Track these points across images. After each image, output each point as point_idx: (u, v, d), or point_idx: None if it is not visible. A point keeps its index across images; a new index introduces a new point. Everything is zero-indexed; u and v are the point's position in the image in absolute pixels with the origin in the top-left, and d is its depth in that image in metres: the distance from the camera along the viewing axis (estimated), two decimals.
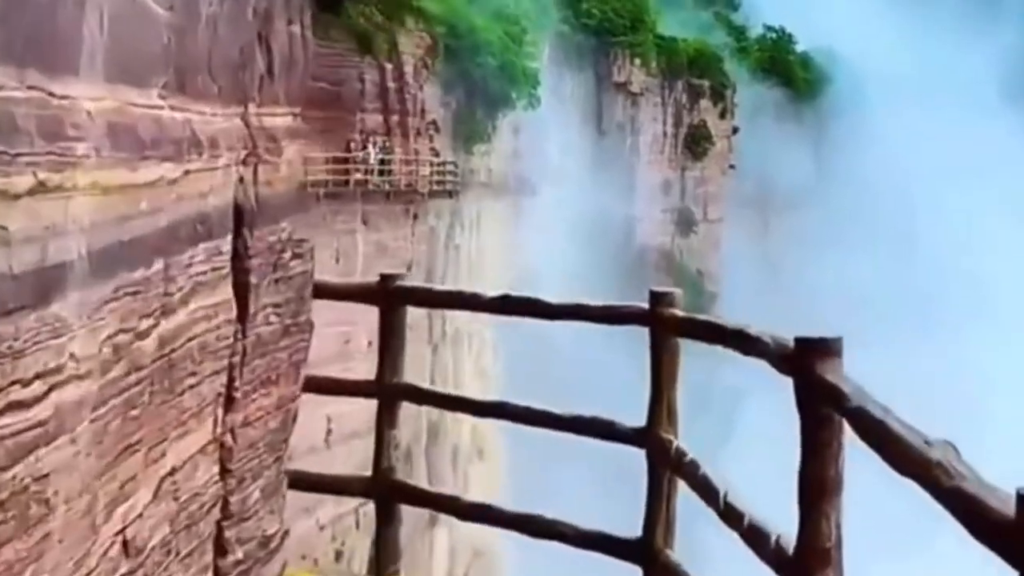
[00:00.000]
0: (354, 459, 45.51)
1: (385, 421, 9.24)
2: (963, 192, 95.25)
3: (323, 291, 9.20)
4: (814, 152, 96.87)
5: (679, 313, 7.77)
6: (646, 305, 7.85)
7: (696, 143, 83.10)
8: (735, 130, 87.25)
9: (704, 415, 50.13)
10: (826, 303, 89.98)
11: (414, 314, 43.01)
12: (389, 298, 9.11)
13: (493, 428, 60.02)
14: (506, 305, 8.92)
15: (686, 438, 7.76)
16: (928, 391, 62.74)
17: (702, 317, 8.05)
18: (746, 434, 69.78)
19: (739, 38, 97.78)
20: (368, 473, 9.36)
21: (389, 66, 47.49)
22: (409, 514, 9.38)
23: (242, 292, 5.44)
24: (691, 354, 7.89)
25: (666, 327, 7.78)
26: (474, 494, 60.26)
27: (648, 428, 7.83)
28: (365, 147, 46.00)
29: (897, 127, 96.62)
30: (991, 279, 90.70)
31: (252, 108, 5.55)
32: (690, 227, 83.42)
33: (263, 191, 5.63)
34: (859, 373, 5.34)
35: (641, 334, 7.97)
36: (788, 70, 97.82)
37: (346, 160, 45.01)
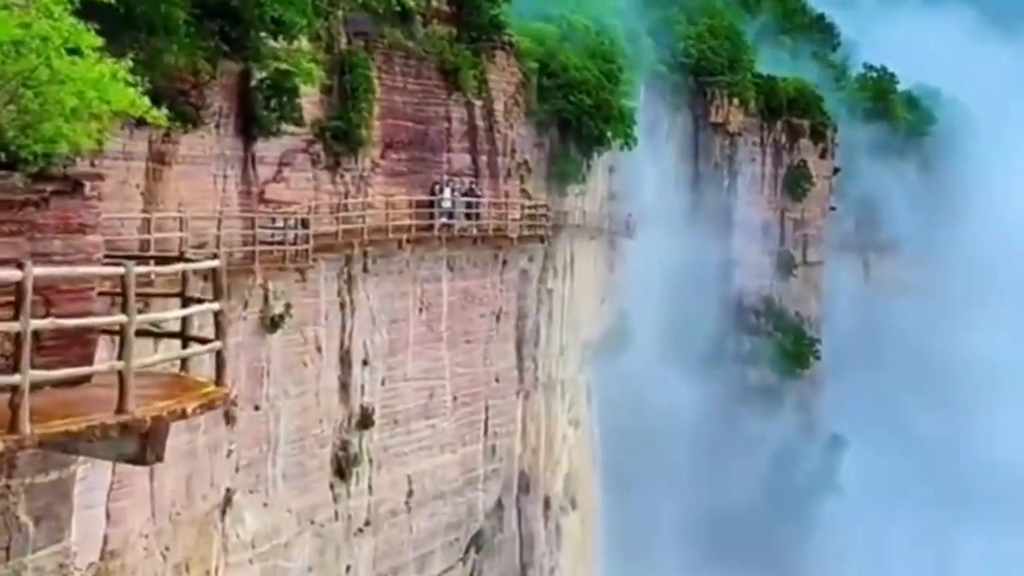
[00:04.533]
0: (437, 519, 43.94)
1: None
2: None
3: None
4: (917, 194, 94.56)
5: None
6: None
7: (796, 184, 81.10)
8: (836, 171, 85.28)
9: None
10: (931, 355, 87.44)
11: (502, 364, 40.79)
12: None
13: (588, 478, 58.22)
14: None
15: None
16: None
17: None
18: None
19: (839, 77, 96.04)
20: None
21: (478, 103, 45.60)
22: None
23: None
24: None
25: None
26: (566, 545, 58.07)
27: None
28: (452, 189, 43.82)
29: (1006, 169, 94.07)
30: None
31: None
32: (790, 270, 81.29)
33: None
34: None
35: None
36: (890, 109, 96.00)
37: (431, 203, 42.41)
